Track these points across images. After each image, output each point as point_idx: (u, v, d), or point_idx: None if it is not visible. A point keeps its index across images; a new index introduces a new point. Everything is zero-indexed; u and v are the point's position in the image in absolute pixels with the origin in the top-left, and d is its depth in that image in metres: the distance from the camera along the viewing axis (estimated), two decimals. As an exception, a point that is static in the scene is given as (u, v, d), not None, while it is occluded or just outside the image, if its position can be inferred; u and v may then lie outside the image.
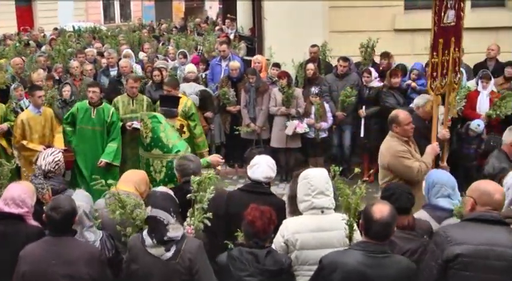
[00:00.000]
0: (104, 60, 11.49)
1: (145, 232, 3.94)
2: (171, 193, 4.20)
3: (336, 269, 3.59)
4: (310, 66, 9.72)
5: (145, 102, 8.56)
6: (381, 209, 3.60)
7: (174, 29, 21.01)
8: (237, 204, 4.77)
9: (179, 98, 7.61)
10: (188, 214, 4.31)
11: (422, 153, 5.98)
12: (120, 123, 8.13)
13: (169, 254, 3.84)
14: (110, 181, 4.51)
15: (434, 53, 5.95)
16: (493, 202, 3.68)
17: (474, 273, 3.52)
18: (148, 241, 3.87)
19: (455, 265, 3.54)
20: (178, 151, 6.11)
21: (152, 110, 8.08)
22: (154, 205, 3.93)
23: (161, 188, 4.30)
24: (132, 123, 8.19)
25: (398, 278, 3.57)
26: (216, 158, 6.32)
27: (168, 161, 6.07)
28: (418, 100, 7.30)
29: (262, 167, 5.05)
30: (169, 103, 7.17)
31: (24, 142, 7.94)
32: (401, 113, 5.94)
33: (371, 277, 3.53)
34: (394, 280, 3.57)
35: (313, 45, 10.26)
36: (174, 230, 3.88)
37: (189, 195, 4.32)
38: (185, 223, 4.23)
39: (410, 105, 7.62)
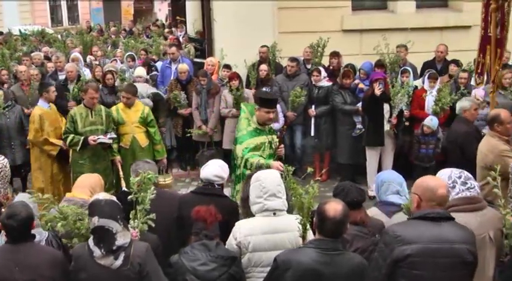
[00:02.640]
0: (50, 65, 11.21)
1: (91, 242, 3.83)
2: (115, 198, 4.12)
3: (290, 267, 3.61)
4: (263, 67, 9.74)
5: (103, 112, 7.89)
6: (335, 208, 3.63)
7: (123, 31, 20.79)
8: (189, 207, 4.71)
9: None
10: (131, 216, 4.24)
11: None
12: (81, 138, 7.60)
13: (119, 262, 3.77)
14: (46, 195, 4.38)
15: (480, 55, 7.01)
16: (436, 197, 3.69)
17: (424, 271, 3.54)
18: (96, 251, 3.77)
19: (405, 264, 3.55)
20: (236, 143, 6.21)
21: (111, 121, 7.92)
22: (101, 214, 3.82)
23: (104, 195, 4.19)
24: (98, 138, 7.61)
25: (351, 274, 3.61)
26: (278, 164, 6.05)
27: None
28: (464, 103, 7.44)
29: (212, 166, 5.04)
30: None
31: (47, 137, 8.04)
32: (502, 112, 5.92)
33: (324, 274, 3.56)
34: (347, 277, 3.61)
35: (263, 46, 10.30)
36: (122, 238, 3.80)
37: (130, 196, 4.24)
38: (129, 226, 4.13)
39: (456, 110, 7.73)
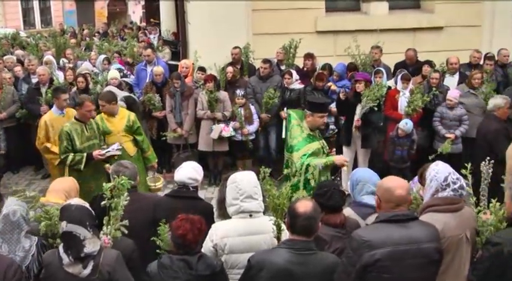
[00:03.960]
0: (17, 69, 11.01)
1: (61, 249, 3.77)
2: (87, 205, 4.06)
3: (263, 267, 3.63)
4: (230, 69, 9.74)
5: (94, 125, 7.33)
6: (304, 205, 3.68)
7: (96, 34, 20.62)
8: (164, 210, 4.71)
9: None
10: (104, 222, 4.20)
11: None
12: (84, 155, 6.93)
13: (87, 271, 3.70)
14: (33, 193, 4.36)
15: None
16: (394, 198, 3.71)
17: (393, 274, 3.55)
18: (65, 259, 3.71)
19: (374, 269, 3.53)
20: (292, 151, 6.16)
21: (101, 133, 7.48)
22: (69, 220, 3.75)
23: (76, 200, 4.10)
24: (107, 151, 7.04)
25: (324, 273, 3.64)
26: (342, 158, 6.20)
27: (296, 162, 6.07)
28: (497, 101, 7.51)
29: (186, 169, 5.03)
30: None
31: (48, 145, 7.83)
32: None
33: (297, 274, 3.59)
34: (320, 277, 3.63)
35: (235, 47, 10.31)
36: (91, 245, 3.74)
37: (103, 202, 4.18)
38: (101, 233, 4.08)
39: (488, 107, 7.82)
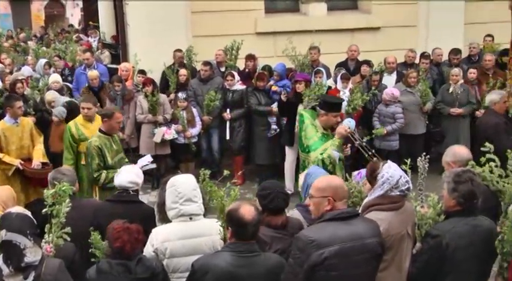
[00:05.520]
0: None
1: (1, 259, 3.63)
2: (28, 213, 3.95)
3: (207, 272, 3.61)
4: (183, 72, 9.72)
5: (116, 136, 6.89)
6: (249, 211, 3.66)
7: (33, 37, 20.12)
8: (105, 216, 4.62)
9: None
10: (46, 230, 4.10)
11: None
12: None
13: None
14: None
15: None
16: (346, 194, 3.82)
17: (341, 271, 3.58)
18: (5, 269, 3.57)
19: (322, 267, 3.55)
20: (309, 151, 6.16)
21: (76, 141, 7.34)
22: (9, 228, 3.62)
23: (17, 208, 4.01)
24: (145, 165, 6.43)
25: (269, 274, 3.65)
26: (341, 128, 6.20)
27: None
28: (493, 96, 7.65)
29: (126, 173, 4.99)
30: None
31: (0, 155, 7.36)
32: None
33: (242, 276, 3.59)
34: (265, 277, 3.64)
35: (178, 50, 10.25)
36: (32, 254, 3.62)
37: (44, 210, 4.10)
38: (43, 241, 3.99)
39: (486, 103, 7.99)
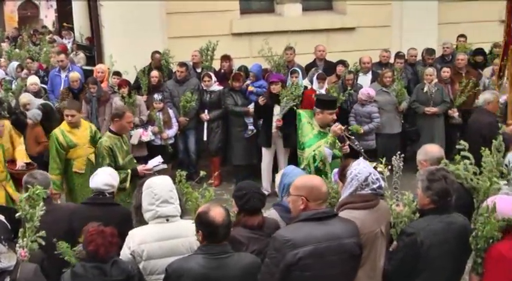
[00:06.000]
0: None
1: None
2: (2, 218, 3.92)
3: (181, 275, 3.61)
4: (155, 73, 9.66)
5: (125, 137, 6.85)
6: (220, 213, 3.66)
7: (6, 39, 19.86)
8: (81, 219, 4.58)
9: None
10: (20, 235, 4.06)
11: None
12: (128, 172, 6.36)
13: None
14: None
15: (505, 57, 7.44)
16: (322, 195, 3.78)
17: (316, 271, 3.60)
18: None
19: (297, 267, 3.57)
20: (304, 148, 6.31)
21: (64, 148, 7.12)
22: None
23: None
24: (156, 166, 6.56)
25: (244, 274, 3.66)
26: (336, 128, 6.24)
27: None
28: (487, 96, 7.67)
29: (101, 175, 4.97)
30: None
31: None
32: None
33: (217, 278, 3.59)
34: (241, 278, 3.65)
35: (156, 52, 10.22)
36: (7, 260, 3.59)
37: (18, 214, 4.05)
38: (17, 246, 3.95)
39: (479, 102, 7.94)
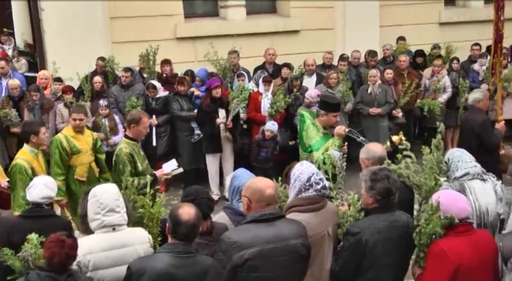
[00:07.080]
0: None
1: None
2: None
3: (144, 273, 3.64)
4: (97, 79, 9.51)
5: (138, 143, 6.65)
6: (188, 212, 3.73)
7: None
8: (20, 232, 4.38)
9: None
10: None
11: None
12: (148, 178, 5.95)
13: None
14: None
15: (495, 55, 7.74)
16: (265, 198, 3.76)
17: (263, 273, 3.61)
18: None
19: (244, 269, 3.58)
20: (311, 151, 6.31)
21: (68, 154, 6.96)
22: None
23: None
24: (175, 170, 6.49)
25: (204, 276, 3.71)
26: (340, 129, 6.23)
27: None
28: (476, 95, 7.72)
29: (38, 187, 4.82)
30: None
31: None
32: None
33: (179, 276, 3.65)
34: (200, 278, 3.71)
35: (100, 58, 10.08)
36: None
37: None
38: None
39: (469, 101, 8.04)
